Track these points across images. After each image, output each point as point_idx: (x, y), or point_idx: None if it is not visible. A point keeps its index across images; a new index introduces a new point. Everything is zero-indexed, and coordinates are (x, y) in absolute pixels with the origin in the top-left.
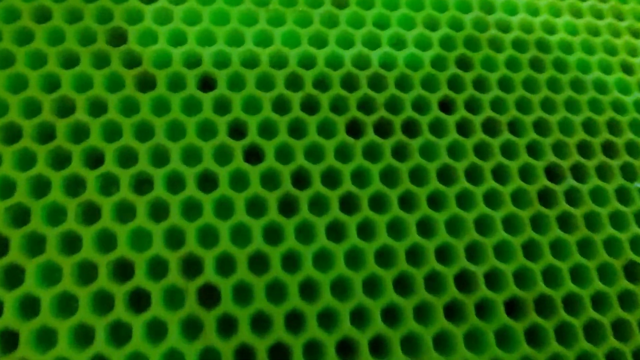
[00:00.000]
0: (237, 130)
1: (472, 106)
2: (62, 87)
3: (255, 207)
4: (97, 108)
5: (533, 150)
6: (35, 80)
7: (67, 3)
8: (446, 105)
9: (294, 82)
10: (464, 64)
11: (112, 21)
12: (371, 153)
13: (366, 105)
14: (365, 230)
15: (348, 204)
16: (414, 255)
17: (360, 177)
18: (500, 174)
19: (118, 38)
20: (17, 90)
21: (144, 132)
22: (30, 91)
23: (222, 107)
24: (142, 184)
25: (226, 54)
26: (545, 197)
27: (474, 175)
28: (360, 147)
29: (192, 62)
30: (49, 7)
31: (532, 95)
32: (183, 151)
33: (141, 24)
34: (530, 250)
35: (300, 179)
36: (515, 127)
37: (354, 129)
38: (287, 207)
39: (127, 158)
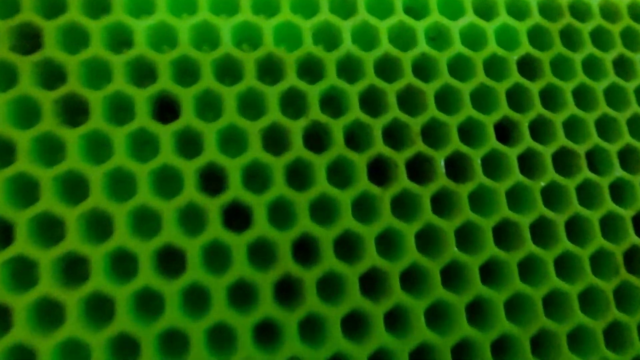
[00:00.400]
0: (212, 179)
1: (540, 131)
2: None
3: (242, 298)
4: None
5: (618, 193)
6: None
7: None
8: (504, 131)
9: (292, 102)
10: (529, 68)
11: (20, 13)
12: (404, 207)
13: (396, 135)
14: (398, 323)
15: (373, 285)
16: (464, 353)
17: (389, 244)
18: (576, 230)
19: (29, 39)
20: None
21: (74, 188)
22: None
23: (189, 144)
24: (74, 269)
25: (193, 60)
26: (633, 260)
27: (542, 234)
28: (389, 199)
29: (143, 74)
30: None
31: (617, 113)
32: (133, 216)
33: (64, 16)
34: (614, 337)
35: (305, 251)
36: (594, 160)
37: (380, 171)
38: (287, 293)
39: (49, 231)
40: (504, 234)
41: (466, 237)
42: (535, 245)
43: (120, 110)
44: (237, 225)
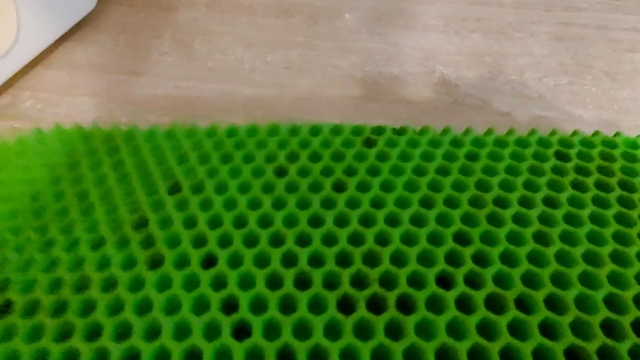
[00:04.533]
0: (230, 306)
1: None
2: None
3: None
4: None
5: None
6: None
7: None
8: (445, 281)
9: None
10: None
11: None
12: (362, 331)
13: (359, 281)
14: None
15: None
16: None
17: (349, 358)
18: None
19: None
20: (48, 270)
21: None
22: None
23: (219, 283)
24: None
25: (229, 234)
26: None
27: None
28: (351, 324)
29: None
30: None
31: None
32: (175, 326)
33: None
34: None
35: (287, 357)
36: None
37: (346, 304)
38: None
39: (123, 332)
40: (445, 356)
41: (412, 356)
42: None
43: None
44: (243, 336)
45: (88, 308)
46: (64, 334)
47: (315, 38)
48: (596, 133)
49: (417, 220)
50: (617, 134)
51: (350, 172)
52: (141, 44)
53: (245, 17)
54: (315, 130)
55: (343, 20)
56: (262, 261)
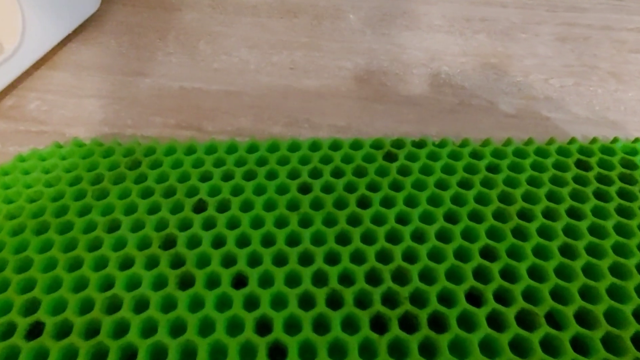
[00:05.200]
0: (264, 326)
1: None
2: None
3: None
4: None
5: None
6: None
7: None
8: (474, 297)
9: (320, 279)
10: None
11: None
12: (397, 350)
13: (390, 299)
14: None
15: None
16: None
17: None
18: None
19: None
20: (78, 290)
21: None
22: (88, 291)
23: (251, 303)
24: None
25: (259, 253)
26: None
27: None
28: (385, 343)
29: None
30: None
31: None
32: (210, 347)
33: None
34: None
35: None
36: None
37: (379, 324)
38: None
39: (158, 354)
40: None
41: None
42: None
43: (212, 282)
44: (278, 357)
45: (120, 329)
46: (98, 356)
47: (320, 39)
48: (615, 140)
49: (443, 236)
50: (636, 140)
51: (373, 187)
52: (145, 44)
53: (249, 17)
54: (335, 145)
55: (347, 21)
56: (293, 280)
